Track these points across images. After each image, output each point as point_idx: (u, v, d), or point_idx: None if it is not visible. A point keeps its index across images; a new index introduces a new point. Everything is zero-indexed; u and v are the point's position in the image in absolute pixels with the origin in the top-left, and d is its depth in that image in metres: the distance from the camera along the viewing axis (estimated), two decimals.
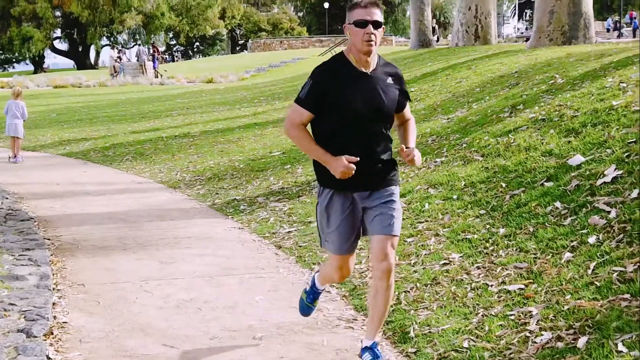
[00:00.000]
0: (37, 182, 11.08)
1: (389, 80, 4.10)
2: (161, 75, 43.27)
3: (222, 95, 26.59)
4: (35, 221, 8.24)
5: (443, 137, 9.77)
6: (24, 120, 14.02)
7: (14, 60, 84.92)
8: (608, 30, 54.53)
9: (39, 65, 76.81)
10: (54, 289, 5.73)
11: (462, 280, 5.35)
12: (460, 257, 5.80)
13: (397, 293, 5.35)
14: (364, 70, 4.01)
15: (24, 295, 5.37)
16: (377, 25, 3.92)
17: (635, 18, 60.78)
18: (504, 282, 5.14)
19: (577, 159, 6.77)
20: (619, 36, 47.65)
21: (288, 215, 8.12)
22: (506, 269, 5.33)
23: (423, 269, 5.74)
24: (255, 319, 5.11)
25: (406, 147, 4.10)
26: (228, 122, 17.32)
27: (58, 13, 71.91)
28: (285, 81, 29.64)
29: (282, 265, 6.44)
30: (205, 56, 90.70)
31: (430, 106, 13.01)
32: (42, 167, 12.88)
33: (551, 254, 5.31)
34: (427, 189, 7.73)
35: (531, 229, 5.84)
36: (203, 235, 7.56)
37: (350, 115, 3.96)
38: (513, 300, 4.84)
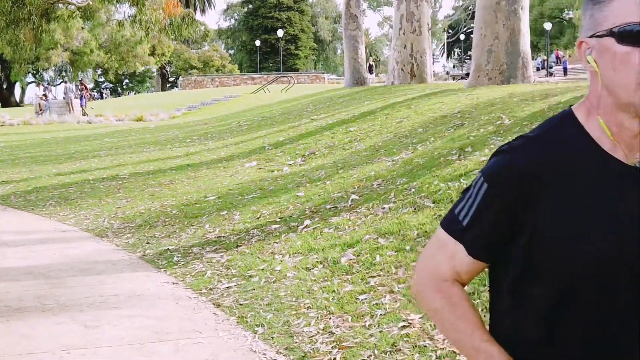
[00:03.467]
0: None
1: None
2: (88, 114, 42.12)
3: (153, 134, 25.79)
4: None
5: (389, 180, 9.28)
6: None
7: None
8: (538, 69, 55.48)
9: None
10: None
11: (426, 347, 4.79)
12: (420, 318, 5.24)
13: None
14: (634, 161, 1.64)
15: None
16: None
17: (562, 57, 62.17)
18: None
19: None
20: (548, 75, 48.51)
21: (226, 267, 7.47)
22: None
23: (380, 332, 5.17)
24: None
25: None
26: (159, 163, 16.58)
27: None
28: (217, 119, 28.97)
29: (221, 328, 5.79)
30: (135, 93, 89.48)
31: (372, 147, 12.56)
32: None
33: None
34: (377, 238, 7.19)
35: None
36: (132, 293, 6.86)
37: (609, 273, 1.61)
38: None
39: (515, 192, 1.62)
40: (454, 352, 4.60)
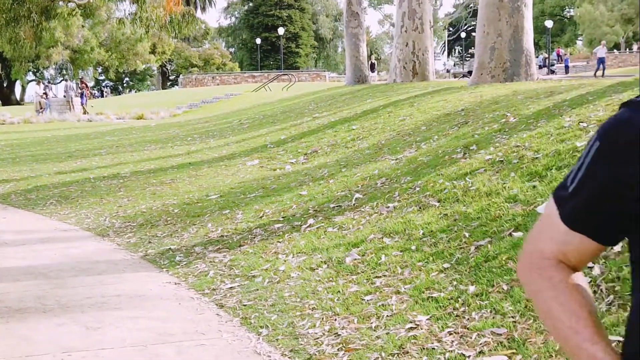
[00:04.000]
0: None
1: None
2: (88, 112, 42.02)
3: (154, 132, 25.69)
4: None
5: (393, 179, 9.18)
6: None
7: None
8: (540, 67, 55.34)
9: None
10: None
11: (434, 349, 4.70)
12: (428, 319, 5.15)
13: None
14: None
15: None
16: None
17: (563, 55, 62.09)
18: (482, 352, 4.50)
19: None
20: (550, 73, 48.38)
21: (229, 267, 7.38)
22: (483, 336, 4.70)
23: (387, 334, 5.07)
24: None
25: None
26: (160, 162, 16.48)
27: None
28: (218, 117, 28.86)
29: (225, 329, 5.69)
30: (135, 92, 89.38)
31: (375, 145, 12.46)
32: None
33: (532, 318, 4.71)
34: (382, 238, 7.10)
35: (505, 287, 5.24)
36: (135, 293, 6.76)
37: None
38: None
39: (631, 153, 1.35)
40: (463, 355, 4.51)
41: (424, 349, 4.72)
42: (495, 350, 4.47)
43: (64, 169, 16.87)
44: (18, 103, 73.72)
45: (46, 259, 8.24)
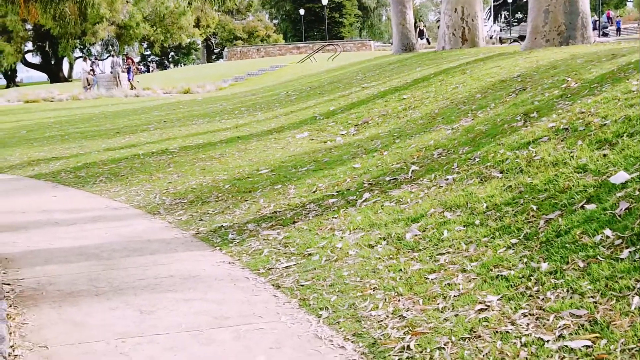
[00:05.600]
0: None
1: None
2: (135, 87, 42.11)
3: (201, 106, 25.55)
4: None
5: (450, 150, 8.83)
6: None
7: None
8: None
9: (11, 79, 75.28)
10: (10, 354, 4.71)
11: (508, 332, 4.39)
12: (499, 300, 4.84)
13: (429, 350, 4.38)
14: None
15: None
16: None
17: (614, 17, 60.60)
18: (562, 337, 4.18)
19: (620, 176, 5.84)
20: (602, 35, 47.25)
21: (284, 245, 7.13)
22: (561, 318, 4.37)
23: (455, 316, 4.77)
24: None
25: None
26: (209, 136, 16.30)
27: (29, 26, 70.42)
28: (265, 90, 28.62)
29: (283, 312, 5.45)
30: (181, 66, 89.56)
31: (428, 115, 12.08)
32: (7, 192, 11.80)
33: (615, 298, 4.37)
34: (443, 212, 6.78)
35: (581, 264, 4.89)
36: (188, 274, 6.55)
37: None
38: None
39: None
40: (541, 339, 4.20)
41: (497, 332, 4.42)
42: (576, 333, 4.15)
43: (112, 145, 16.80)
44: (66, 80, 74.36)
45: (97, 239, 8.09)
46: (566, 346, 4.05)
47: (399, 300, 5.23)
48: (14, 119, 26.95)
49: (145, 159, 14.05)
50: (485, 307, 4.77)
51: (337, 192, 8.64)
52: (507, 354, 4.14)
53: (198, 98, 31.40)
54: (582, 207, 5.65)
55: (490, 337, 4.38)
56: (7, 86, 68.40)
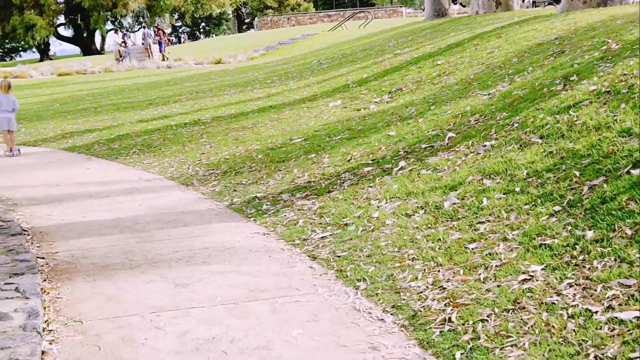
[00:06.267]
0: (34, 184, 9.99)
1: None
2: (167, 59, 42.08)
3: (232, 76, 25.42)
4: (28, 234, 7.17)
5: (488, 116, 8.62)
6: (15, 112, 13.27)
7: (20, 49, 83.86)
8: None
9: (44, 52, 75.68)
10: (44, 329, 4.66)
11: (554, 304, 4.23)
12: (543, 270, 4.68)
13: (471, 322, 4.25)
14: None
15: (6, 342, 4.29)
16: None
17: None
18: (611, 308, 4.02)
19: None
20: None
21: (319, 215, 7.01)
22: (609, 288, 4.21)
23: (498, 286, 4.63)
24: None
25: None
26: (241, 106, 16.17)
27: None
28: (296, 59, 28.39)
29: (320, 284, 5.34)
30: (212, 36, 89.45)
31: (464, 80, 11.84)
32: (42, 165, 11.80)
33: None
34: (482, 179, 6.60)
35: (629, 232, 4.71)
36: (223, 245, 6.46)
37: None
38: (632, 334, 3.72)
39: None
40: (589, 310, 4.04)
41: (542, 303, 4.26)
42: (626, 304, 3.98)
43: (145, 117, 16.75)
44: (99, 52, 74.56)
45: (131, 211, 8.03)
46: (615, 317, 3.89)
47: (439, 271, 5.10)
48: (48, 92, 27.04)
49: (178, 130, 13.98)
50: (529, 278, 4.62)
51: (372, 160, 8.49)
52: (553, 326, 3.99)
53: (230, 68, 31.27)
54: (628, 172, 5.45)
55: (535, 308, 4.23)
56: (41, 59, 68.71)
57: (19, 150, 13.18)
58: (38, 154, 13.28)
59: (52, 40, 78.89)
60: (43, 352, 4.28)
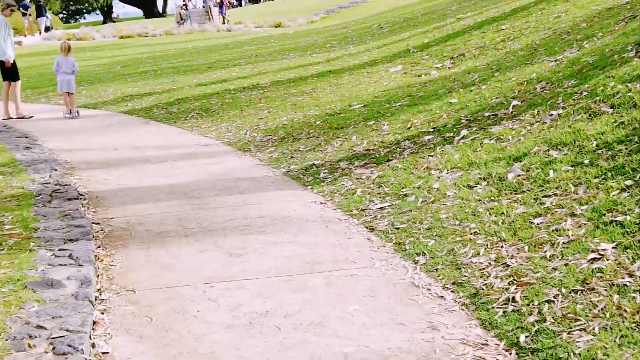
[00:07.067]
0: (92, 148, 10.00)
1: None
2: (228, 22, 42.02)
3: (292, 40, 25.21)
4: (84, 199, 7.14)
5: (555, 83, 8.28)
6: (75, 74, 13.32)
7: (84, 11, 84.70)
8: None
9: (107, 15, 76.36)
10: (96, 298, 4.59)
11: (626, 285, 3.99)
12: (614, 248, 4.43)
13: (536, 303, 4.04)
14: None
15: (57, 311, 4.23)
16: None
17: None
18: None
19: None
20: None
21: (378, 185, 6.82)
22: None
23: (565, 265, 4.39)
24: (350, 343, 3.88)
25: None
26: (300, 71, 15.99)
27: None
28: (356, 22, 28.03)
29: (377, 257, 5.17)
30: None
31: (529, 46, 11.45)
32: (101, 128, 11.82)
33: None
34: (548, 150, 6.32)
35: None
36: (279, 214, 6.33)
37: None
38: None
39: None
40: None
41: (613, 285, 4.03)
42: None
43: (204, 80, 16.70)
44: (160, 15, 74.91)
45: (187, 177, 7.95)
46: None
47: (502, 247, 4.88)
48: (109, 55, 27.22)
49: (236, 94, 13.88)
50: (599, 257, 4.37)
51: (433, 128, 8.25)
52: (625, 310, 3.76)
53: (289, 32, 31.06)
54: None
55: (606, 290, 4.00)
56: (104, 22, 69.31)
57: (77, 112, 13.25)
58: (97, 116, 13.32)
59: (115, 2, 79.60)
60: (94, 323, 4.21)
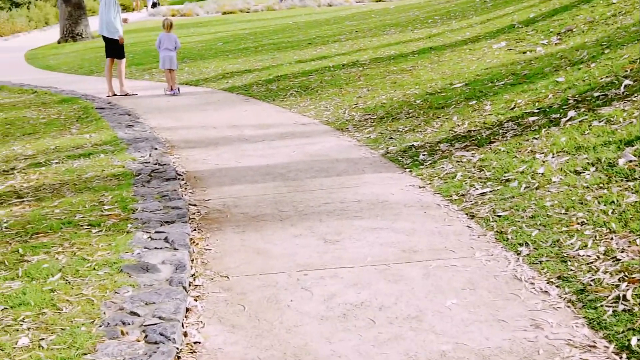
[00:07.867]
0: (192, 126, 10.05)
1: None
2: None
3: (393, 15, 24.88)
4: (182, 179, 7.16)
5: None
6: (177, 50, 13.45)
7: None
8: None
9: None
10: (190, 284, 4.56)
11: None
12: None
13: None
14: None
15: (151, 297, 4.22)
16: None
17: None
18: None
19: None
20: None
21: (479, 169, 6.58)
22: None
23: None
24: (448, 340, 3.71)
25: None
26: (400, 47, 15.71)
27: None
28: None
29: (477, 246, 4.96)
30: None
31: None
32: (201, 106, 11.88)
33: None
34: None
35: None
36: (376, 199, 6.18)
37: None
38: None
39: None
40: None
41: None
42: None
43: (303, 57, 16.62)
44: None
45: (284, 157, 7.88)
46: None
47: (612, 239, 4.60)
48: (212, 31, 27.49)
49: (336, 71, 13.74)
50: None
51: (538, 109, 7.91)
52: None
53: (390, 6, 30.67)
54: None
55: None
56: None
57: (178, 89, 13.39)
58: (198, 94, 13.42)
59: None
60: (187, 310, 4.17)
